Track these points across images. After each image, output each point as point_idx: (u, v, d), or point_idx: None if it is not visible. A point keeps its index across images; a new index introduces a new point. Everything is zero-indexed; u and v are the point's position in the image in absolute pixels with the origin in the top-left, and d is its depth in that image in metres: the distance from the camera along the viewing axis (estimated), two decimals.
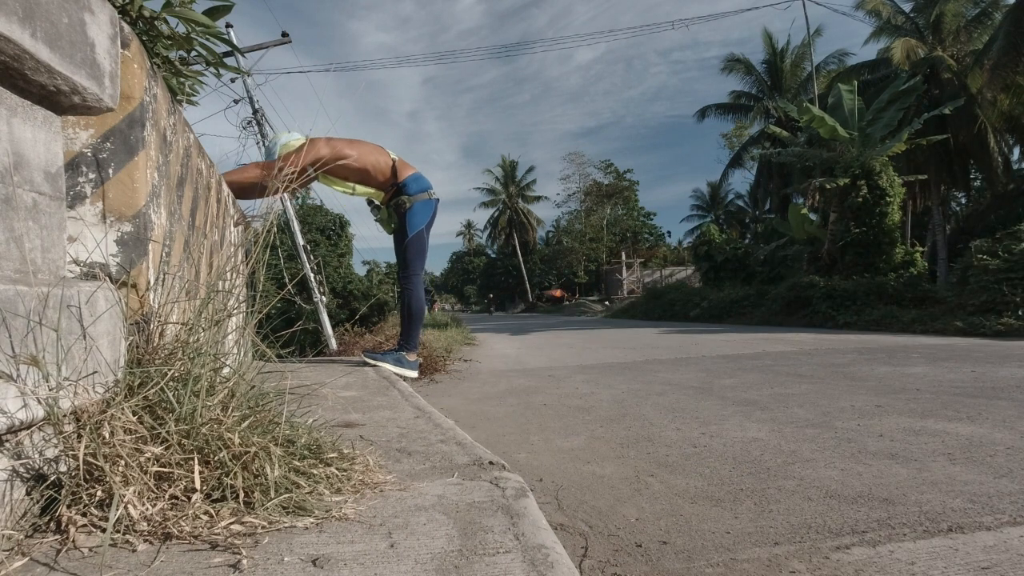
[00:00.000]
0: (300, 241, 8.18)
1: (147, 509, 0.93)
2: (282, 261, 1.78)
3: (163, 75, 1.60)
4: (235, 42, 4.02)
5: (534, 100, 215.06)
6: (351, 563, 0.85)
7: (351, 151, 3.08)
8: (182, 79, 1.79)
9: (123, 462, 0.96)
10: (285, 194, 3.34)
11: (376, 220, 3.41)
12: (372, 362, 3.48)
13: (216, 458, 1.03)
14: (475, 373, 4.56)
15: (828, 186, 11.95)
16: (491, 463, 1.38)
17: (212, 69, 1.81)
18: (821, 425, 2.26)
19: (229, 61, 1.98)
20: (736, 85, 26.27)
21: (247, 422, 1.13)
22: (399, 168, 3.26)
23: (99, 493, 0.93)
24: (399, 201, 3.25)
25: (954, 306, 8.15)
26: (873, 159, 11.87)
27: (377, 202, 3.39)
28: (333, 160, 3.01)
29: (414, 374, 3.55)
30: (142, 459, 0.97)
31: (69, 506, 0.92)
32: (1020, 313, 7.00)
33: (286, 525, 0.97)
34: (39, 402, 0.92)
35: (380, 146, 3.30)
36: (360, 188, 3.20)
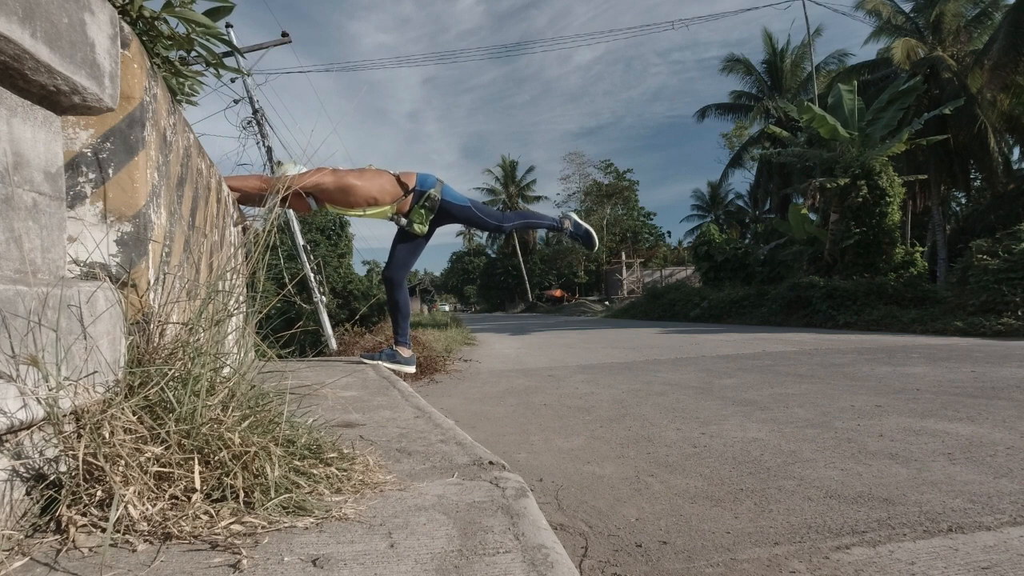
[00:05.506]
0: (300, 241, 8.19)
1: (147, 509, 0.93)
2: (282, 261, 1.78)
3: (163, 75, 1.60)
4: (235, 42, 4.02)
5: (534, 100, 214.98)
6: (351, 563, 0.85)
7: (357, 180, 3.23)
8: (182, 79, 1.79)
9: (123, 462, 0.95)
10: (288, 210, 3.48)
11: (407, 226, 3.44)
12: (369, 361, 3.53)
13: (216, 458, 1.03)
14: (475, 373, 4.56)
15: (828, 186, 11.95)
16: (491, 463, 1.37)
17: (212, 69, 1.81)
18: (821, 425, 2.26)
19: (229, 61, 1.97)
20: (736, 85, 26.33)
21: (247, 422, 1.12)
22: (403, 178, 3.36)
23: (99, 493, 0.93)
24: (429, 196, 3.39)
25: (954, 306, 8.14)
26: (873, 159, 11.87)
27: (394, 214, 3.43)
28: (335, 186, 3.15)
29: (411, 369, 3.57)
30: (142, 459, 0.97)
31: (69, 506, 0.92)
32: (1020, 313, 7.00)
33: (286, 525, 0.97)
34: (39, 402, 0.92)
35: (377, 168, 3.41)
36: (371, 210, 3.32)
